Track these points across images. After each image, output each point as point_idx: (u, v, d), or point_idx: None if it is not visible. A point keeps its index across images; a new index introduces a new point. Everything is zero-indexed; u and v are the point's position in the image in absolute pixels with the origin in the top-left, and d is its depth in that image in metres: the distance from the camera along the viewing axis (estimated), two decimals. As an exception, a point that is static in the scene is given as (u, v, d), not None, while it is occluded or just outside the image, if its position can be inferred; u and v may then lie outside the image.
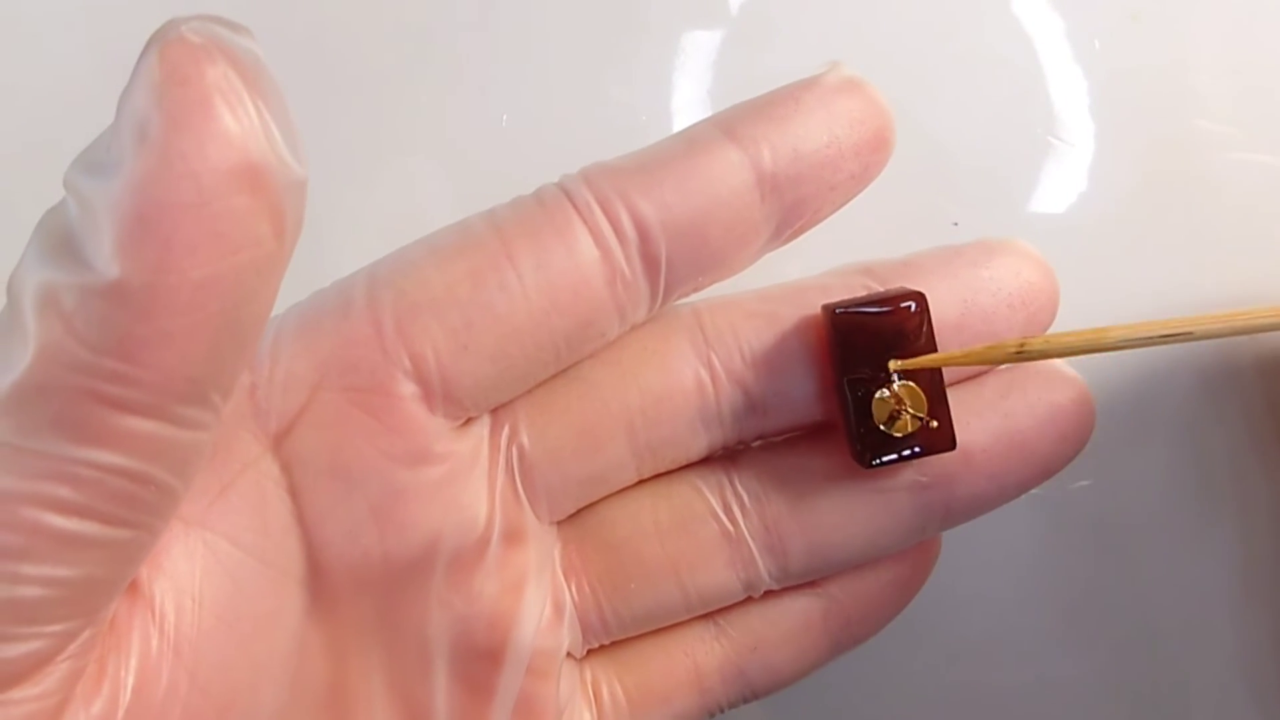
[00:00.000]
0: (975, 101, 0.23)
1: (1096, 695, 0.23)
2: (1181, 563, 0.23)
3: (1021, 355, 0.14)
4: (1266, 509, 0.23)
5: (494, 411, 0.16)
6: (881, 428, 0.16)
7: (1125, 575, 0.23)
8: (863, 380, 0.16)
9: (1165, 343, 0.14)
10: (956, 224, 0.23)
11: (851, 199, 0.17)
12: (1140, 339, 0.14)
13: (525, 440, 0.16)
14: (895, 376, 0.16)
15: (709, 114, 0.23)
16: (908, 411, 0.16)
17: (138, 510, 0.12)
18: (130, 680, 0.13)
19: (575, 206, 0.15)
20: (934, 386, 0.16)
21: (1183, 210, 0.23)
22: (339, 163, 0.23)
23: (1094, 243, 0.23)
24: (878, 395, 0.16)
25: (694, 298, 0.17)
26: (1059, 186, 0.23)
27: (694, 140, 0.16)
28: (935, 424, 0.16)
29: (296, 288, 0.16)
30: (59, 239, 0.11)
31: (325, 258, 0.20)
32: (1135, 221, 0.23)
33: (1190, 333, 0.14)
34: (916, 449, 0.16)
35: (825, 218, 0.17)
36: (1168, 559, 0.23)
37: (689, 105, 0.23)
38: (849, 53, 0.23)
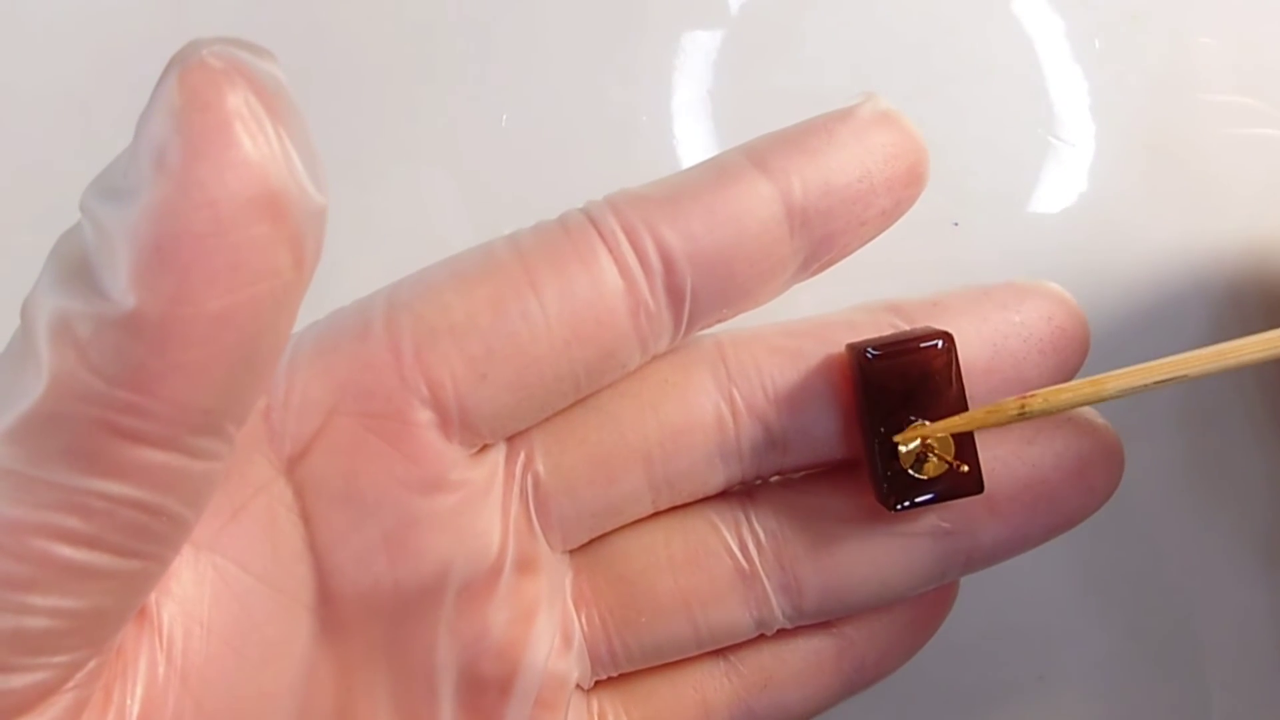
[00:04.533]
0: (975, 101, 0.23)
1: (1095, 694, 0.23)
2: (1183, 566, 0.23)
3: (1024, 416, 0.15)
4: (1264, 495, 0.23)
5: (510, 439, 0.16)
6: (909, 471, 0.15)
7: (1125, 576, 0.23)
8: (889, 422, 0.15)
9: (1161, 387, 0.14)
10: (957, 224, 0.23)
11: (881, 233, 0.16)
12: (1138, 387, 0.14)
13: (541, 469, 0.16)
14: (922, 421, 0.15)
15: (709, 114, 0.23)
16: (935, 454, 0.15)
17: (148, 541, 0.12)
18: (136, 709, 0.13)
19: (601, 234, 0.15)
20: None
21: (1183, 210, 0.23)
22: (337, 164, 0.23)
23: (1094, 242, 0.23)
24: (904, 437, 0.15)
25: (717, 328, 0.17)
26: (1059, 186, 0.23)
27: (724, 170, 0.15)
28: (965, 468, 0.15)
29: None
30: (74, 265, 0.11)
31: (323, 259, 0.20)
32: (1135, 221, 0.23)
33: (1185, 375, 0.14)
34: (942, 493, 0.15)
35: (853, 252, 0.16)
36: (1170, 563, 0.23)
37: (689, 105, 0.23)
38: (849, 53, 0.23)
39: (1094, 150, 0.23)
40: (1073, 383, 0.15)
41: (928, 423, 0.15)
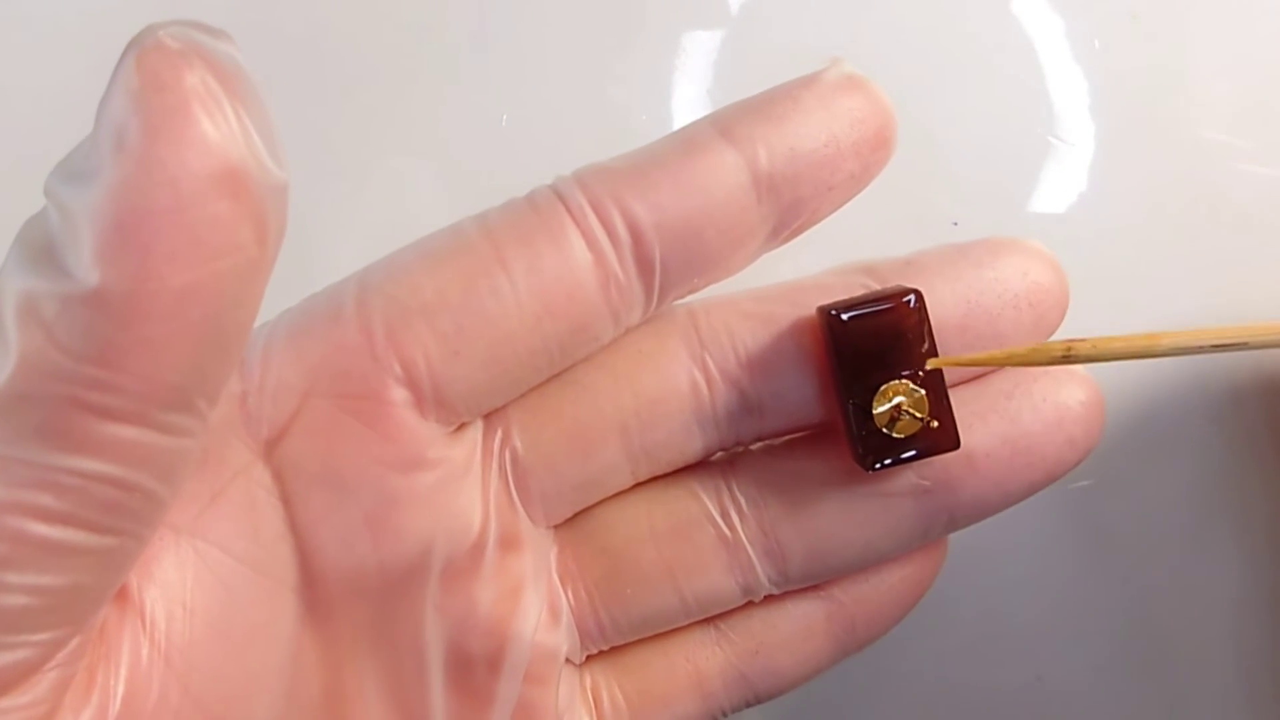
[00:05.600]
0: (975, 101, 0.23)
1: (1093, 695, 0.23)
2: (1180, 571, 0.23)
3: (1069, 359, 0.14)
4: (1265, 524, 0.23)
5: (487, 416, 0.16)
6: (883, 430, 0.15)
7: (1123, 579, 0.23)
8: (862, 381, 0.15)
9: (1219, 351, 0.14)
10: (956, 224, 0.23)
11: (851, 199, 0.16)
12: (1193, 347, 0.14)
13: (518, 444, 0.16)
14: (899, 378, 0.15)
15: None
16: (908, 412, 0.15)
17: (123, 518, 0.12)
18: (120, 689, 0.13)
19: (568, 209, 0.15)
20: (935, 386, 0.15)
21: (1182, 210, 0.23)
22: (335, 163, 0.23)
23: (1093, 242, 0.23)
24: (878, 397, 0.15)
25: (690, 298, 0.17)
26: (1059, 186, 0.23)
27: (689, 140, 0.16)
28: (936, 424, 0.15)
29: (289, 290, 0.16)
30: (39, 247, 0.11)
31: (319, 260, 0.20)
32: (1135, 221, 0.23)
33: (1245, 343, 0.14)
34: (919, 450, 0.15)
35: (824, 218, 0.16)
36: (1168, 566, 0.23)
37: (689, 105, 0.23)
38: (849, 52, 0.23)
39: (1094, 150, 0.23)
40: (1126, 334, 0.14)
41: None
